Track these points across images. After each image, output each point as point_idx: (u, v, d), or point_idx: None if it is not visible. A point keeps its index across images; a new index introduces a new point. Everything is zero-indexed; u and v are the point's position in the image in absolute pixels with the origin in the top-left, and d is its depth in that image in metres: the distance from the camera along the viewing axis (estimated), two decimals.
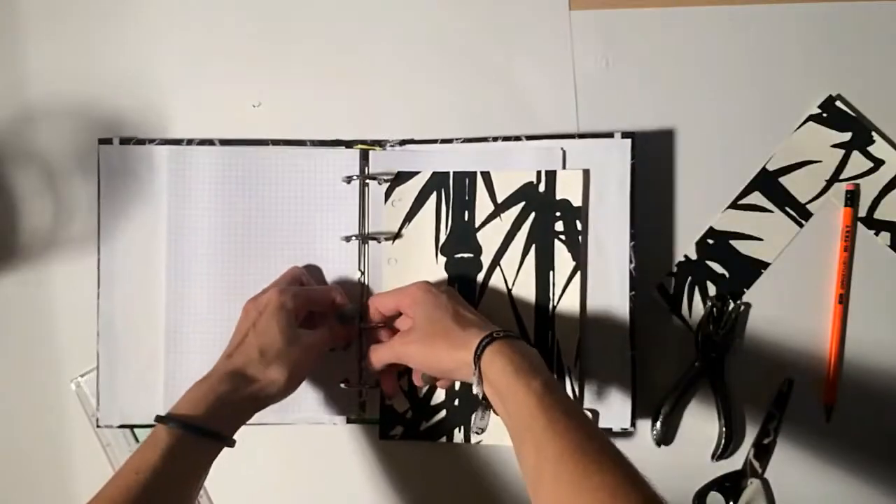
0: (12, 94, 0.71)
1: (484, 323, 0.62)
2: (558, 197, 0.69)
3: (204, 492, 0.71)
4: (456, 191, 0.70)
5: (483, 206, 0.70)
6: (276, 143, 0.70)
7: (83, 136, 0.69)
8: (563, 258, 0.69)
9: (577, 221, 0.68)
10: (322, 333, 0.66)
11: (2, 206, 0.70)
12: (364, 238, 0.70)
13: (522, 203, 0.69)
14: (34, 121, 0.71)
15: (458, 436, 0.70)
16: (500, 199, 0.69)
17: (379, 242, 0.70)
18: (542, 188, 0.69)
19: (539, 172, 0.69)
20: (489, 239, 0.69)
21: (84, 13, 0.71)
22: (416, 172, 0.70)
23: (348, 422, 0.70)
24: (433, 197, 0.70)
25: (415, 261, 0.70)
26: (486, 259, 0.69)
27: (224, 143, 0.70)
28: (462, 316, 0.62)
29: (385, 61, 0.72)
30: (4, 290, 0.70)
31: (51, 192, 0.71)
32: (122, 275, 0.70)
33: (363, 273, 0.70)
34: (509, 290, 0.69)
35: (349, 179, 0.70)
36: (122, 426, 0.70)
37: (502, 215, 0.69)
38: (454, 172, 0.70)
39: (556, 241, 0.69)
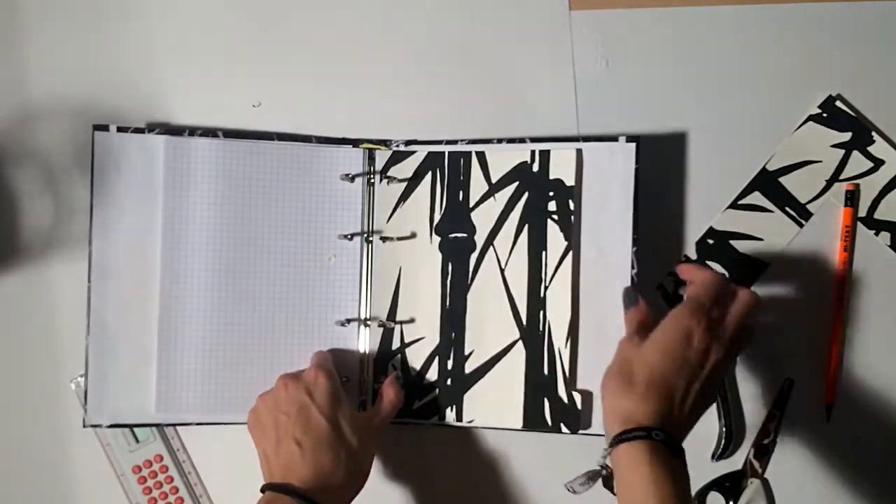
0: (12, 93, 0.71)
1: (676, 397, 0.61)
2: (552, 177, 0.69)
3: (203, 490, 0.71)
4: (451, 170, 0.70)
5: (478, 185, 0.70)
6: (281, 137, 0.70)
7: (83, 136, 0.69)
8: (555, 238, 0.69)
9: (570, 201, 0.68)
10: (388, 407, 0.67)
11: (2, 206, 0.70)
12: (367, 237, 0.70)
13: (516, 183, 0.69)
14: (34, 120, 0.71)
15: (450, 415, 0.70)
16: (494, 179, 0.70)
17: (382, 241, 0.70)
18: (535, 168, 0.69)
19: (533, 152, 0.69)
20: (483, 219, 0.70)
21: (84, 13, 0.71)
22: (413, 152, 0.70)
23: None
24: (428, 176, 0.70)
25: (408, 239, 0.70)
26: (479, 239, 0.70)
27: (228, 134, 0.69)
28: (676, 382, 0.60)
29: (385, 62, 0.72)
30: (4, 290, 0.70)
31: (50, 192, 0.70)
32: (115, 269, 0.68)
33: (366, 272, 0.70)
34: (502, 270, 0.69)
35: (352, 178, 0.70)
36: (112, 426, 0.68)
37: (496, 195, 0.69)
38: (449, 152, 0.70)
39: (549, 220, 0.69)
